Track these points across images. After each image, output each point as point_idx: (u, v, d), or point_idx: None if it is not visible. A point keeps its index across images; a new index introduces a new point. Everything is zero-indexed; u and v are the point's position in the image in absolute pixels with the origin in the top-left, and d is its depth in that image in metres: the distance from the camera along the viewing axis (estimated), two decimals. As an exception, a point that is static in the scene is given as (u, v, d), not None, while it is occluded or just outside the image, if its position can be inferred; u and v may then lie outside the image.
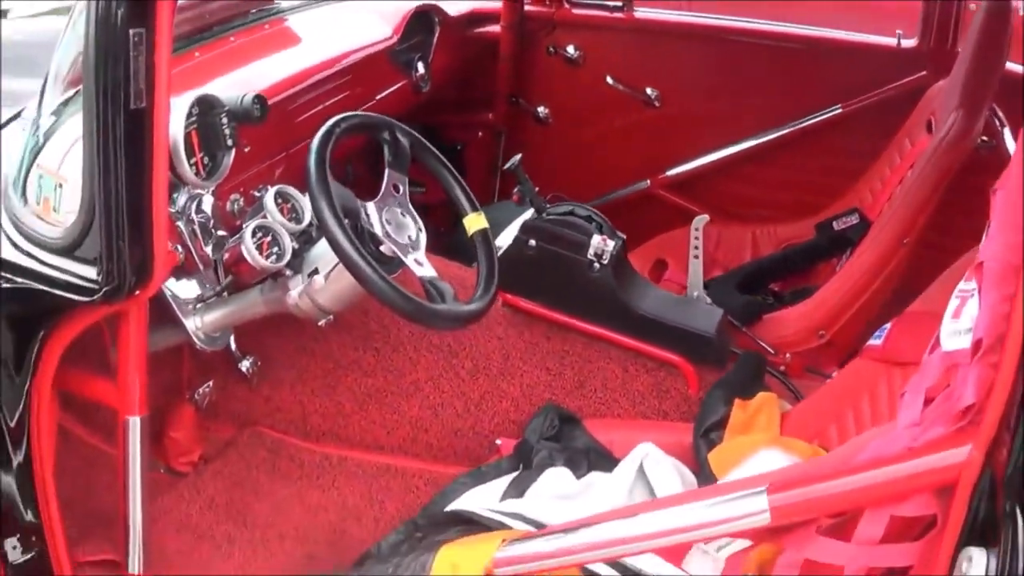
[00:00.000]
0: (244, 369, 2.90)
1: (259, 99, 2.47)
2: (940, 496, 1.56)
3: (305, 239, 2.47)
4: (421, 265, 2.32)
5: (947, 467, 1.54)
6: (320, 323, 2.51)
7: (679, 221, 3.49)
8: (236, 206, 2.55)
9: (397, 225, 2.34)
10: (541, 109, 3.85)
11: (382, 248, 2.30)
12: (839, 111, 3.42)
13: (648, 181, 3.74)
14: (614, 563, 2.02)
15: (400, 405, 3.02)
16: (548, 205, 2.92)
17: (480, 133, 3.93)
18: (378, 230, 2.29)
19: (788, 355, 2.91)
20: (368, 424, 3.04)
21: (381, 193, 2.37)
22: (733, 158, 3.61)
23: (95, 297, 1.97)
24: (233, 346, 2.76)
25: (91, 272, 1.97)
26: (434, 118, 3.71)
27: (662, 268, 3.43)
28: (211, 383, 2.97)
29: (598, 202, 3.21)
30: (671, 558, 1.95)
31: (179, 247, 2.37)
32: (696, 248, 2.94)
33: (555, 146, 3.84)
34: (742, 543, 1.84)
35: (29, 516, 2.26)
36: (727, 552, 1.86)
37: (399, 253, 2.30)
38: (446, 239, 3.03)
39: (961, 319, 1.62)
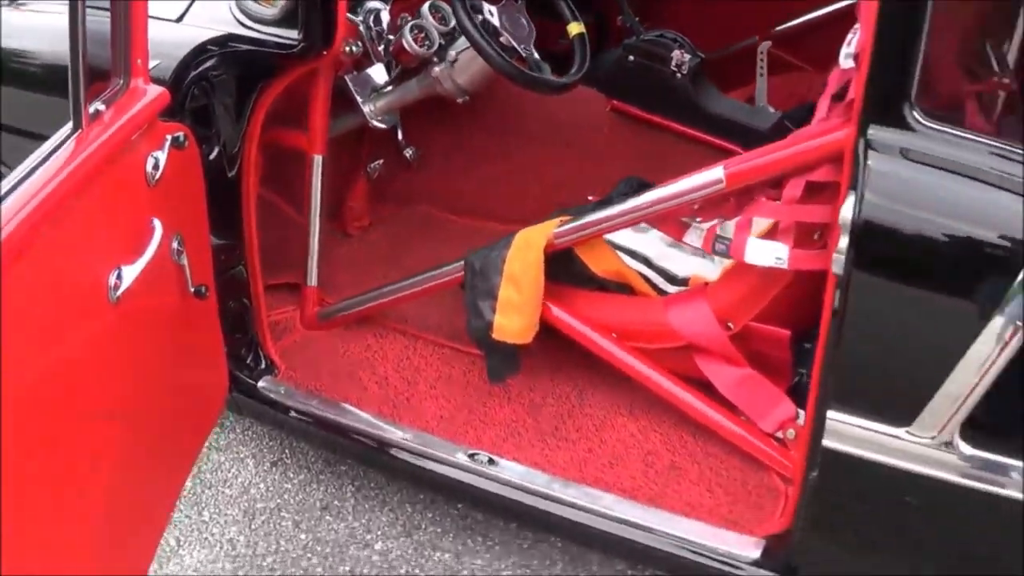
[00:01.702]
0: (408, 156, 3.67)
1: None
2: (837, 167, 2.20)
3: (449, 39, 3.19)
4: (528, 52, 3.05)
5: (837, 141, 2.20)
6: (459, 101, 3.24)
7: (781, 72, 3.95)
8: (404, 22, 3.23)
9: (513, 23, 3.05)
10: None
11: (501, 39, 3.00)
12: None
13: (756, 37, 4.28)
14: (630, 252, 2.87)
15: (524, 182, 3.78)
16: (644, 30, 3.72)
17: None
18: (498, 24, 3.01)
19: None
20: (498, 200, 3.77)
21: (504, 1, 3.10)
22: (825, 18, 4.01)
23: (295, 50, 2.81)
24: (400, 136, 3.56)
25: (294, 34, 2.80)
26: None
27: (756, 103, 4.07)
28: (382, 160, 3.73)
29: (713, 55, 3.79)
30: (677, 235, 2.71)
31: (359, 43, 3.09)
32: (761, 68, 3.68)
33: (672, 7, 4.27)
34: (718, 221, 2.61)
35: (232, 237, 2.96)
36: (707, 225, 2.62)
37: (513, 42, 3.01)
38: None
39: (851, 45, 2.34)
